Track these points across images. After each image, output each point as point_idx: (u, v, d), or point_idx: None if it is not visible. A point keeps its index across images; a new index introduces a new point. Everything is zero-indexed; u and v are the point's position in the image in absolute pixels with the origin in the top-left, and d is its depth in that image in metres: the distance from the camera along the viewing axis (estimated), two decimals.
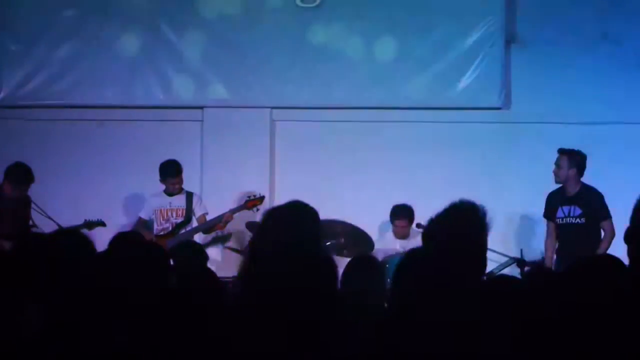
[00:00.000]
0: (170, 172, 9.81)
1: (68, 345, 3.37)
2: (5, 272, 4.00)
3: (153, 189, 10.14)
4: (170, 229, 9.82)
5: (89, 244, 4.16)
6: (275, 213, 4.13)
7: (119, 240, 5.27)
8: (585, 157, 9.06)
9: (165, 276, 4.28)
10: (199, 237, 9.96)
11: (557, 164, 9.08)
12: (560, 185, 9.12)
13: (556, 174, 9.09)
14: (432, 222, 3.78)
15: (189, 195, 9.92)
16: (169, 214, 9.87)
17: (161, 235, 9.73)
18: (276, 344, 3.03)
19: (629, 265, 3.72)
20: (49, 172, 10.38)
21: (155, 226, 9.88)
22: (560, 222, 9.07)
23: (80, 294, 3.72)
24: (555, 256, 9.08)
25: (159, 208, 9.87)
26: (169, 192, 9.89)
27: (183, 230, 9.81)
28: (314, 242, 3.91)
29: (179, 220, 9.84)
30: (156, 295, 4.03)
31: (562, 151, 9.09)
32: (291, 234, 3.88)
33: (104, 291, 3.80)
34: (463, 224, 3.73)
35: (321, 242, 4.02)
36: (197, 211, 9.90)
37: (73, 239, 4.15)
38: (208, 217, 9.89)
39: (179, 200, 9.88)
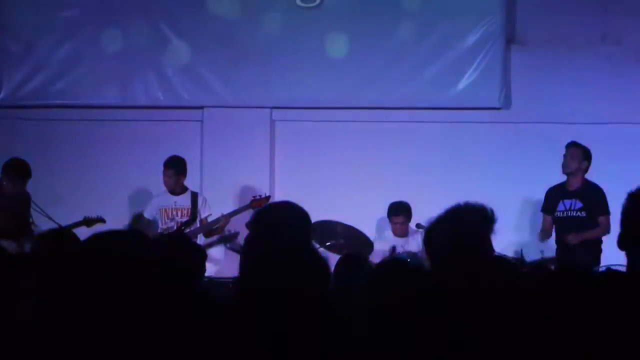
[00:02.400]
0: (166, 163, 9.79)
1: (66, 342, 3.37)
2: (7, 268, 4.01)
3: (153, 188, 10.15)
4: (175, 228, 9.82)
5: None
6: (264, 214, 4.11)
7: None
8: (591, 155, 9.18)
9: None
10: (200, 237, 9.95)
11: (571, 155, 9.11)
12: (561, 181, 9.21)
13: (567, 164, 9.12)
14: (434, 223, 3.76)
15: (194, 195, 9.92)
16: (174, 213, 9.87)
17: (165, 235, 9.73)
18: (270, 347, 3.03)
19: (626, 270, 3.73)
20: (49, 172, 10.39)
21: (159, 225, 9.87)
22: (560, 215, 9.17)
23: (82, 293, 3.72)
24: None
25: (164, 207, 9.87)
26: (174, 191, 9.88)
27: (188, 230, 9.80)
28: (303, 243, 3.90)
29: (184, 219, 9.84)
30: (156, 294, 4.02)
31: (575, 144, 9.17)
32: (280, 235, 3.86)
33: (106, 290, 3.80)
34: (468, 226, 3.71)
35: (311, 242, 4.01)
36: (202, 212, 9.90)
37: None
38: (211, 219, 9.88)
39: (184, 200, 9.88)
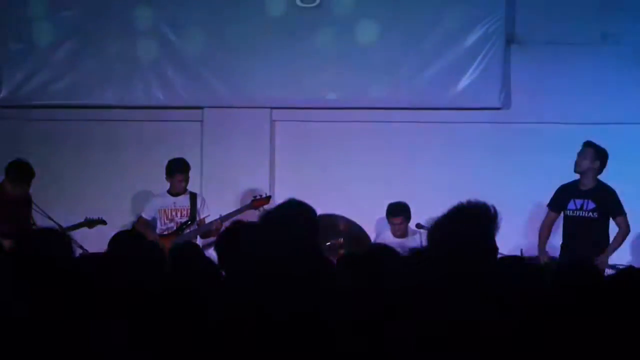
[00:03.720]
0: (179, 168, 9.79)
1: (64, 344, 3.37)
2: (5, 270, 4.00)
3: (153, 188, 10.15)
4: (175, 228, 9.81)
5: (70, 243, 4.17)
6: (275, 213, 4.10)
7: (119, 239, 5.26)
8: (607, 156, 9.12)
9: (162, 275, 4.29)
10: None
11: (583, 154, 9.10)
12: (574, 178, 9.16)
13: (579, 163, 9.10)
14: (439, 222, 3.75)
15: (193, 196, 9.90)
16: (173, 213, 9.85)
17: (165, 235, 9.72)
18: (274, 342, 3.04)
19: None
20: (49, 172, 10.38)
21: (158, 226, 9.85)
22: (570, 214, 9.12)
23: (80, 293, 3.72)
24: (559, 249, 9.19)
25: (163, 208, 9.85)
26: (174, 192, 9.86)
27: (187, 230, 9.79)
28: (311, 242, 3.91)
29: (184, 220, 9.83)
30: (155, 294, 4.02)
31: (589, 144, 9.14)
32: (290, 233, 3.87)
33: (103, 290, 3.80)
34: (472, 224, 3.71)
35: (318, 241, 4.01)
36: (200, 213, 9.87)
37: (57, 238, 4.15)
38: (209, 219, 9.87)
39: (184, 200, 9.86)
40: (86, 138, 10.98)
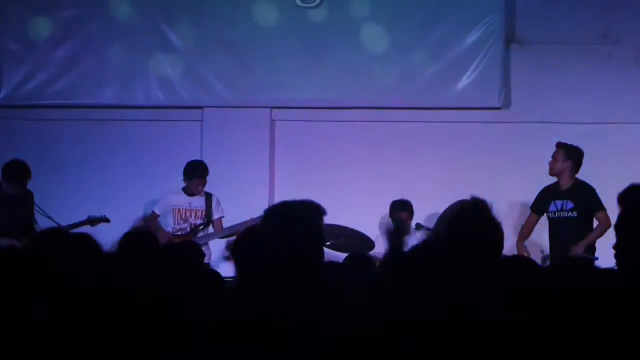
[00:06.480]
0: (199, 174, 9.62)
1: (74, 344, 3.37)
2: (14, 269, 4.00)
3: (153, 188, 10.13)
4: (189, 230, 9.64)
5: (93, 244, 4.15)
6: (290, 209, 4.06)
7: (130, 238, 5.25)
8: (582, 154, 9.16)
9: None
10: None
11: (554, 156, 9.18)
12: (555, 180, 9.23)
13: (551, 166, 9.20)
14: (451, 223, 3.74)
15: (209, 197, 9.69)
16: (188, 214, 9.66)
17: (179, 236, 9.54)
18: (274, 341, 3.04)
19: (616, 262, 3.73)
20: (49, 172, 10.39)
21: (171, 224, 9.69)
22: (553, 216, 9.20)
23: (88, 294, 3.71)
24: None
25: (178, 207, 9.66)
26: (189, 192, 9.68)
27: (202, 234, 9.60)
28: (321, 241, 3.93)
29: (198, 222, 9.63)
30: (160, 294, 4.02)
31: (560, 145, 9.22)
32: (302, 231, 3.86)
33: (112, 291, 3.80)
34: (481, 222, 3.72)
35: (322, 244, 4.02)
36: (215, 214, 9.68)
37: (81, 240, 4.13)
38: (223, 222, 9.68)
39: (199, 202, 9.67)
40: (86, 138, 10.98)
